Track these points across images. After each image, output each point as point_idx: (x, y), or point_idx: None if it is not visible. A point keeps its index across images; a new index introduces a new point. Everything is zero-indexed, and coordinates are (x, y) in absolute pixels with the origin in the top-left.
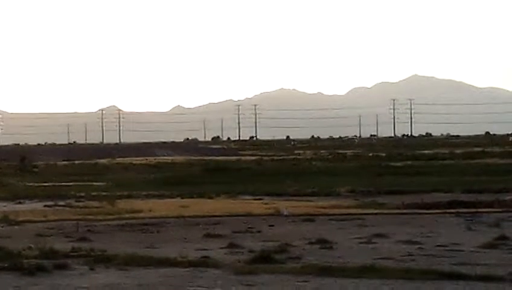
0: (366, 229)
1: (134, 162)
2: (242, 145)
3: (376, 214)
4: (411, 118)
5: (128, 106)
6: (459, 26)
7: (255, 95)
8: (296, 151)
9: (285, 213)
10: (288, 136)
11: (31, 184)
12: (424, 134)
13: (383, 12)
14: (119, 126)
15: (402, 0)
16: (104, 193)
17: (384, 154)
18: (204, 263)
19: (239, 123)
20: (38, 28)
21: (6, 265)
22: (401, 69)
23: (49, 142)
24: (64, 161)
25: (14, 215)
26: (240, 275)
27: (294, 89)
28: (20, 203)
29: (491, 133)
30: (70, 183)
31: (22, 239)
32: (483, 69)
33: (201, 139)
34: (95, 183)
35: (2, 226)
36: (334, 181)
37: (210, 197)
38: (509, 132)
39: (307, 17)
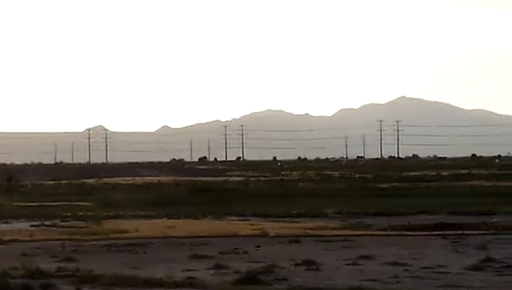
0: (352, 250)
1: (121, 182)
2: (229, 165)
3: (362, 235)
4: (398, 140)
5: (115, 125)
6: (447, 49)
7: (242, 116)
8: (282, 172)
9: (271, 234)
10: (275, 157)
11: (17, 204)
12: (410, 156)
13: (370, 33)
14: (106, 146)
15: (389, 22)
16: (90, 213)
17: (370, 176)
18: (190, 283)
19: (226, 144)
20: (25, 48)
21: None
22: (389, 90)
23: (36, 161)
24: (50, 180)
25: (0, 235)
26: None
27: (281, 110)
28: (6, 222)
29: (477, 155)
30: (57, 203)
31: (8, 259)
32: (470, 91)
33: (188, 159)
34: (81, 203)
35: None
36: (321, 202)
37: (196, 218)
38: (496, 154)
39: (295, 39)
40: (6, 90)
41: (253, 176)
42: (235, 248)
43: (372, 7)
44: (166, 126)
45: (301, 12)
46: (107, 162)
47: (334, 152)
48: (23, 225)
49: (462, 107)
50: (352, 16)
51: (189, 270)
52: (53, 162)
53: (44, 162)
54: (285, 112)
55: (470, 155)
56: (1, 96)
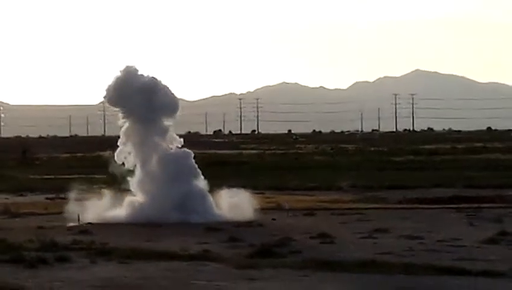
0: (367, 223)
1: None
2: (244, 138)
3: (377, 208)
4: (413, 113)
5: None
6: (462, 22)
7: (257, 89)
8: (297, 146)
9: (286, 207)
10: (290, 130)
11: (32, 177)
12: (425, 129)
13: (386, 5)
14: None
15: None
16: (105, 186)
17: (385, 149)
18: (205, 256)
19: (241, 117)
20: (40, 20)
21: (7, 257)
22: (404, 63)
23: (51, 134)
24: (65, 153)
25: (16, 208)
26: (240, 269)
27: (296, 83)
28: (21, 195)
29: (492, 128)
30: (72, 176)
31: (24, 231)
32: (485, 64)
33: (203, 132)
34: (96, 176)
35: (4, 219)
36: (336, 175)
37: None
38: (511, 127)
39: (310, 11)
40: (22, 63)
41: (268, 149)
42: (250, 221)
43: None
44: (181, 99)
45: None
46: None
47: (349, 125)
48: (39, 198)
49: (477, 80)
50: None
51: (204, 243)
52: (68, 135)
53: (59, 135)
54: (300, 85)
55: (485, 128)
56: (17, 69)
